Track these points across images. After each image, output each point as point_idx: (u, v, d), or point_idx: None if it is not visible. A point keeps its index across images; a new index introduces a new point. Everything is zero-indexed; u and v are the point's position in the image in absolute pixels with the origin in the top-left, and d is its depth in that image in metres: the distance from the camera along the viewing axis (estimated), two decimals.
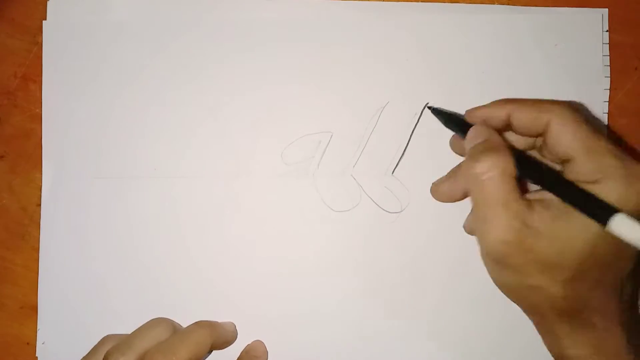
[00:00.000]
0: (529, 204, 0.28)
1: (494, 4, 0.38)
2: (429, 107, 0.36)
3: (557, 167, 0.31)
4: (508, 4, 0.38)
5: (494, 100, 0.35)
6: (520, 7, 0.38)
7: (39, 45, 0.39)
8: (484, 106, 0.32)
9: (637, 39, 0.38)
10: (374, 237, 0.38)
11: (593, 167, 0.28)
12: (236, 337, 0.37)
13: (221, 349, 0.37)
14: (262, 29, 0.38)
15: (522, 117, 0.30)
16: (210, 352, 0.36)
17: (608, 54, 0.38)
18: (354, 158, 0.38)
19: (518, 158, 0.29)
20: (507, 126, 0.32)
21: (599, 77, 0.38)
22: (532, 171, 0.30)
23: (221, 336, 0.36)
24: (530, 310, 0.31)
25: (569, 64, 0.37)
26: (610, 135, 0.38)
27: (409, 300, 0.38)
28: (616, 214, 0.26)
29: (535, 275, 0.29)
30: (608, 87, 0.38)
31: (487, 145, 0.30)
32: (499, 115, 0.31)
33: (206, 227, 0.38)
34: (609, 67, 0.38)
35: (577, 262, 0.28)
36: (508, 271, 0.29)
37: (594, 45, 0.37)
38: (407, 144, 0.38)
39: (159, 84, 0.38)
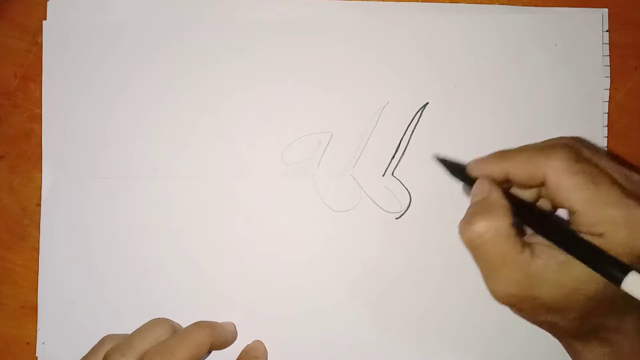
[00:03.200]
0: (532, 251, 0.28)
1: (494, 4, 0.38)
2: (436, 157, 0.35)
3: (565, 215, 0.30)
4: (508, 4, 0.38)
5: (494, 99, 0.35)
6: (520, 7, 0.38)
7: (39, 45, 0.39)
8: (482, 160, 0.32)
9: (637, 39, 0.38)
10: (374, 237, 0.38)
11: (596, 220, 0.27)
12: (236, 337, 0.37)
13: (221, 349, 0.37)
14: (261, 29, 0.38)
15: (517, 174, 0.30)
16: (209, 352, 0.36)
17: (608, 54, 0.38)
18: (354, 158, 0.38)
19: (523, 211, 0.29)
20: (508, 181, 0.31)
21: (599, 77, 0.38)
22: (537, 225, 0.29)
23: (221, 336, 0.36)
24: (546, 330, 0.31)
25: (569, 64, 0.37)
26: (610, 135, 0.38)
27: (409, 300, 0.37)
28: (629, 274, 0.25)
29: (546, 315, 0.29)
30: (608, 87, 0.38)
31: (483, 206, 0.29)
32: (496, 172, 0.31)
33: (206, 227, 0.38)
34: (609, 67, 0.38)
35: (585, 305, 0.28)
36: (518, 311, 0.30)
37: (594, 45, 0.37)
38: (407, 144, 0.38)
39: (159, 84, 0.38)
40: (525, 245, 0.28)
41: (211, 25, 0.38)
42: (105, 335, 0.36)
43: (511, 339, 0.37)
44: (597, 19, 0.37)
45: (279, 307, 0.38)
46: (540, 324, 0.31)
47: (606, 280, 0.26)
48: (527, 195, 0.32)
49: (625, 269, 0.25)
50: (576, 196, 0.27)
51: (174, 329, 0.35)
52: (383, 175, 0.38)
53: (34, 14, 0.39)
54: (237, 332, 0.37)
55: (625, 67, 0.38)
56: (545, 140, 0.31)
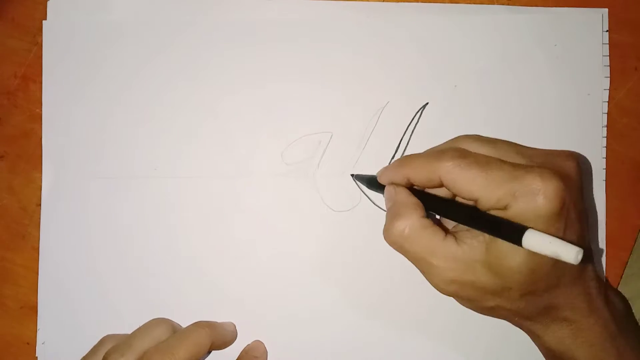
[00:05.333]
0: (457, 238, 0.30)
1: (494, 4, 0.38)
2: (352, 175, 0.38)
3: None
4: (508, 4, 0.38)
5: (494, 99, 0.35)
6: (520, 7, 0.38)
7: (39, 45, 0.39)
8: (386, 168, 0.34)
9: (637, 39, 0.38)
10: (374, 237, 0.38)
11: (496, 199, 0.29)
12: (236, 337, 0.37)
13: (221, 349, 0.37)
14: (262, 29, 0.38)
15: (416, 180, 0.32)
16: (209, 352, 0.36)
17: (608, 54, 0.38)
18: (354, 158, 0.38)
19: (432, 202, 0.32)
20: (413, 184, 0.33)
21: (599, 77, 0.38)
22: (447, 212, 0.32)
23: (220, 336, 0.36)
24: (503, 319, 0.33)
25: (569, 64, 0.37)
26: (610, 135, 0.38)
27: (408, 300, 0.38)
28: (526, 232, 0.27)
29: (490, 299, 0.31)
30: (608, 87, 0.38)
31: (393, 210, 0.32)
32: (398, 178, 0.33)
33: (206, 227, 0.38)
34: (608, 67, 0.38)
35: (522, 280, 0.29)
36: (465, 301, 0.32)
37: (594, 45, 0.37)
38: (407, 144, 0.38)
39: (159, 84, 0.38)
40: (449, 234, 0.30)
41: (211, 25, 0.38)
42: (105, 335, 0.36)
43: (511, 339, 0.37)
44: (597, 19, 0.37)
45: (279, 307, 0.38)
46: (492, 312, 0.32)
47: (528, 250, 0.28)
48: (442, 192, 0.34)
49: (522, 229, 0.27)
50: (471, 187, 0.29)
51: (174, 329, 0.35)
52: None
53: (34, 14, 0.39)
54: (237, 332, 0.38)
55: (625, 67, 0.38)
56: (440, 145, 0.34)
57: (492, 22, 0.38)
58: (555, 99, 0.37)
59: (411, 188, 0.33)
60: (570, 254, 0.26)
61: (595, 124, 0.37)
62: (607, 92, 0.38)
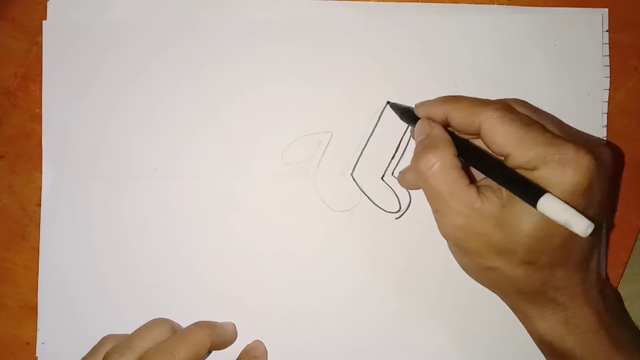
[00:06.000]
0: (478, 190, 0.30)
1: (494, 4, 0.38)
2: (388, 102, 0.37)
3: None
4: (508, 4, 0.38)
5: (494, 99, 0.35)
6: (520, 7, 0.38)
7: (39, 45, 0.39)
8: (427, 102, 0.34)
9: (637, 39, 0.38)
10: (374, 237, 0.38)
11: (526, 159, 0.29)
12: (236, 337, 0.37)
13: (221, 349, 0.37)
14: (261, 29, 0.38)
15: (456, 119, 0.32)
16: (209, 352, 0.36)
17: (608, 54, 0.38)
18: (354, 158, 0.38)
19: (462, 148, 0.31)
20: (448, 124, 0.33)
21: (599, 77, 0.38)
22: (475, 160, 0.32)
23: (220, 336, 0.36)
24: (493, 288, 0.33)
25: (568, 64, 0.37)
26: (610, 135, 0.38)
27: (409, 300, 0.38)
28: (543, 195, 0.27)
29: (492, 257, 0.30)
30: (608, 87, 0.38)
31: (428, 142, 0.31)
32: (438, 113, 0.33)
33: (206, 227, 0.38)
34: (608, 67, 0.38)
35: (529, 246, 0.29)
36: (467, 255, 0.32)
37: (594, 45, 0.37)
38: (407, 144, 0.38)
39: (159, 84, 0.38)
40: (472, 183, 0.30)
41: (211, 25, 0.38)
42: (105, 335, 0.36)
43: (512, 337, 0.37)
44: (597, 19, 0.37)
45: (279, 307, 0.38)
46: (488, 274, 0.32)
47: (543, 218, 0.28)
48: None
49: (542, 192, 0.27)
50: (506, 140, 0.29)
51: (174, 329, 0.35)
52: (383, 175, 0.38)
53: (34, 14, 0.39)
54: (237, 332, 0.38)
55: (625, 67, 0.38)
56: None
57: (492, 22, 0.38)
58: (555, 99, 0.37)
59: (445, 129, 0.33)
60: (581, 225, 0.26)
61: (595, 124, 0.37)
62: (607, 92, 0.38)
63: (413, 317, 0.38)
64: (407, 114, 0.35)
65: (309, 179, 0.38)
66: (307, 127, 0.38)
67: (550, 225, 0.28)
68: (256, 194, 0.38)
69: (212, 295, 0.38)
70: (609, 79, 0.38)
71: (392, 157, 0.38)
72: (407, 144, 0.38)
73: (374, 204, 0.38)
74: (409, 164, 0.36)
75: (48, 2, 0.39)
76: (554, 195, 0.27)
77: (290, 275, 0.38)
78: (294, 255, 0.38)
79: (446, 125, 0.33)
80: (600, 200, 0.30)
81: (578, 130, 0.34)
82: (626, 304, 0.37)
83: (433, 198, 0.31)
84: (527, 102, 0.33)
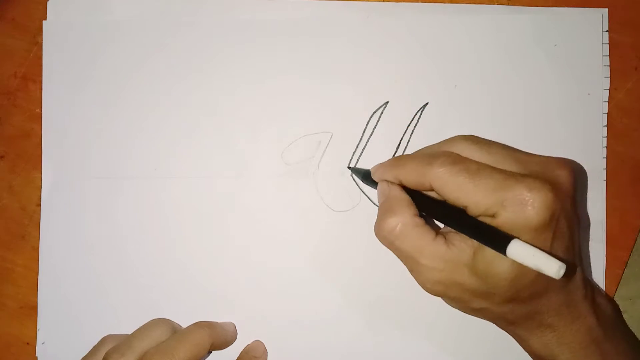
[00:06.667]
0: (447, 239, 0.30)
1: (493, 4, 0.38)
2: (349, 168, 0.38)
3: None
4: (508, 4, 0.38)
5: (494, 99, 0.35)
6: (520, 7, 0.38)
7: (39, 45, 0.39)
8: (380, 165, 0.34)
9: (637, 39, 0.38)
10: (374, 237, 0.37)
11: (484, 207, 0.29)
12: (236, 337, 0.37)
13: (221, 349, 0.37)
14: (262, 29, 0.38)
15: (407, 182, 0.32)
16: (209, 352, 0.36)
17: (608, 54, 0.38)
18: (354, 158, 0.38)
19: (423, 203, 0.32)
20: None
21: (599, 77, 0.38)
22: (437, 214, 0.32)
23: (220, 336, 0.36)
24: (489, 321, 0.33)
25: (569, 64, 0.37)
26: (610, 135, 0.38)
27: (409, 300, 0.37)
28: (511, 242, 0.27)
29: (475, 301, 0.31)
30: (608, 87, 0.38)
31: (386, 206, 0.32)
32: (390, 177, 0.33)
33: (206, 227, 0.38)
34: (608, 67, 0.38)
35: (507, 287, 0.29)
36: (452, 301, 0.32)
37: (594, 45, 0.37)
38: (407, 144, 0.38)
39: (159, 84, 0.38)
40: (439, 234, 0.30)
41: (211, 25, 0.38)
42: (105, 335, 0.36)
43: (512, 341, 0.37)
44: (597, 19, 0.37)
45: (279, 307, 0.38)
46: (477, 313, 0.32)
47: (514, 261, 0.27)
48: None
49: (508, 239, 0.27)
50: (460, 194, 0.29)
51: (174, 329, 0.35)
52: None
53: (34, 14, 0.39)
54: (237, 332, 0.38)
55: (625, 67, 0.38)
56: (434, 145, 0.34)
57: (492, 21, 0.38)
58: (555, 99, 0.37)
59: (404, 187, 0.33)
60: (552, 268, 0.26)
61: (595, 124, 0.37)
62: (607, 92, 0.38)
63: (413, 317, 0.38)
64: (368, 177, 0.35)
65: (309, 179, 0.38)
66: (307, 127, 0.38)
67: (522, 265, 0.28)
68: (256, 194, 0.38)
69: (212, 295, 0.38)
70: (609, 79, 0.38)
71: (392, 157, 0.38)
72: (407, 144, 0.38)
73: (374, 204, 0.38)
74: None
75: (48, 2, 0.39)
76: (521, 240, 0.27)
77: (290, 275, 0.38)
78: (293, 255, 0.38)
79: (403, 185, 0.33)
80: (568, 225, 0.30)
81: (531, 154, 0.33)
82: (626, 304, 0.37)
83: (404, 260, 0.32)
84: (476, 138, 0.33)
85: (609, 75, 0.38)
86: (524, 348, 0.34)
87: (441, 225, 0.35)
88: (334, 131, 0.38)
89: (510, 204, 0.28)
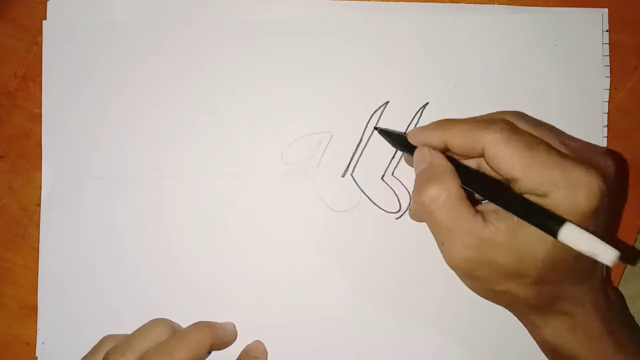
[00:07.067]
0: (484, 217, 0.29)
1: (494, 4, 0.38)
2: (376, 128, 0.36)
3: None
4: (508, 4, 0.38)
5: (494, 99, 0.35)
6: (520, 7, 0.38)
7: (39, 45, 0.39)
8: (421, 128, 0.32)
9: (637, 39, 0.38)
10: (374, 238, 0.38)
11: (536, 184, 0.28)
12: (236, 337, 0.37)
13: (221, 349, 0.37)
14: (261, 29, 0.38)
15: (456, 145, 0.30)
16: (209, 352, 0.36)
17: (608, 54, 0.38)
18: (354, 158, 0.38)
19: (466, 175, 0.30)
20: (448, 150, 0.32)
21: (599, 77, 0.38)
22: (482, 188, 0.30)
23: (220, 337, 0.36)
24: (505, 306, 0.33)
25: (568, 64, 0.37)
26: (610, 135, 0.38)
27: (410, 301, 0.37)
28: (564, 225, 0.26)
29: (502, 282, 0.30)
30: (608, 87, 0.38)
31: (429, 173, 0.30)
32: (435, 141, 0.31)
33: (206, 227, 0.38)
34: (609, 67, 0.38)
35: (539, 269, 0.29)
36: (476, 280, 0.31)
37: (594, 45, 0.37)
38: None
39: (158, 84, 0.38)
40: (477, 211, 0.29)
41: (211, 25, 0.38)
42: (105, 335, 0.36)
43: (514, 338, 0.37)
44: (597, 19, 0.37)
45: (279, 307, 0.38)
46: (499, 296, 0.31)
47: (556, 242, 0.27)
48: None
49: (561, 222, 0.26)
50: (514, 164, 0.28)
51: (174, 329, 0.35)
52: (383, 175, 0.38)
53: (34, 14, 0.39)
54: (237, 332, 0.37)
55: (625, 67, 0.38)
56: (485, 115, 0.32)
57: (492, 22, 0.38)
58: (555, 99, 0.37)
59: (446, 156, 0.31)
60: (608, 255, 0.25)
61: (595, 124, 0.37)
62: (607, 92, 0.38)
63: (414, 317, 0.38)
64: (399, 141, 0.34)
65: (309, 179, 0.38)
66: (307, 127, 0.38)
67: (563, 249, 0.27)
68: (256, 194, 0.38)
69: (211, 296, 0.38)
70: (609, 79, 0.38)
71: (392, 157, 0.38)
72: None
73: (374, 204, 0.38)
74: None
75: (48, 2, 0.39)
76: (575, 224, 0.26)
77: (290, 275, 0.38)
78: (293, 255, 0.38)
79: (445, 151, 0.31)
80: (609, 218, 0.29)
81: (578, 140, 0.33)
82: (626, 304, 0.37)
83: (438, 231, 0.30)
84: (525, 115, 0.32)
85: (609, 75, 0.38)
86: (533, 335, 0.33)
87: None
88: (334, 131, 0.38)
89: (565, 185, 0.27)
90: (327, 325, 0.38)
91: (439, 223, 0.29)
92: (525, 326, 0.33)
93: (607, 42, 0.38)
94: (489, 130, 0.29)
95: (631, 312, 0.37)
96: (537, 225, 0.27)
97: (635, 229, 0.38)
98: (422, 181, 0.30)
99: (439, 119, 0.32)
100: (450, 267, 0.31)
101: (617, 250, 0.25)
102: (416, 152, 0.32)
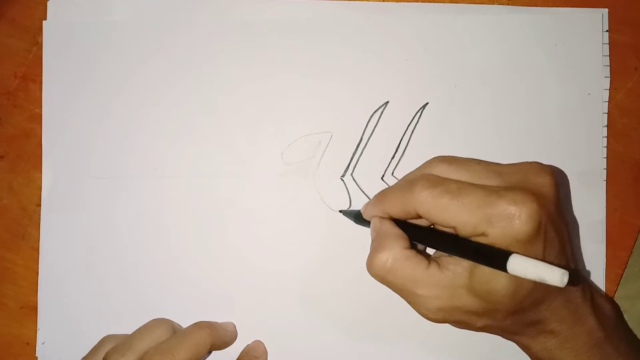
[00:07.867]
0: (440, 264, 0.30)
1: (494, 4, 0.38)
2: (340, 211, 0.37)
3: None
4: (508, 4, 0.38)
5: (494, 99, 0.35)
6: (520, 7, 0.38)
7: (39, 45, 0.39)
8: (369, 203, 0.34)
9: (637, 39, 0.38)
10: None
11: (472, 227, 0.29)
12: (236, 337, 0.37)
13: (221, 349, 0.37)
14: (261, 29, 0.38)
15: (395, 213, 0.32)
16: (209, 352, 0.36)
17: (608, 54, 0.38)
18: (354, 158, 0.38)
19: (415, 233, 0.31)
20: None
21: (599, 77, 0.38)
22: (430, 241, 0.32)
23: (221, 337, 0.36)
24: (493, 334, 0.33)
25: (569, 64, 0.37)
26: (610, 135, 0.38)
27: None
28: (510, 257, 0.26)
29: (478, 320, 0.31)
30: (608, 87, 0.38)
31: (376, 242, 0.31)
32: (379, 213, 0.33)
33: (206, 227, 0.38)
34: (609, 67, 0.38)
35: (507, 304, 0.29)
36: (455, 324, 0.32)
37: (594, 45, 0.37)
38: (407, 144, 0.38)
39: (158, 84, 0.38)
40: (432, 261, 0.30)
41: (211, 25, 0.38)
42: (105, 335, 0.36)
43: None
44: (597, 19, 0.37)
45: (279, 307, 0.38)
46: (482, 330, 0.32)
47: (511, 275, 0.27)
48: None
49: (507, 255, 0.27)
50: (445, 216, 0.29)
51: (174, 329, 0.35)
52: (383, 176, 0.38)
53: (34, 14, 0.39)
54: (237, 332, 0.38)
55: (625, 67, 0.38)
56: (413, 172, 0.33)
57: (492, 22, 0.38)
58: (555, 99, 0.37)
59: (395, 219, 0.33)
60: (556, 277, 0.25)
61: (595, 124, 0.37)
62: (607, 92, 0.38)
63: (414, 317, 0.38)
64: (360, 217, 0.35)
65: (309, 179, 0.38)
66: (307, 127, 0.38)
67: (519, 278, 0.28)
68: (256, 194, 0.38)
69: (211, 296, 0.38)
70: (609, 79, 0.38)
71: (392, 157, 0.38)
72: (407, 144, 0.38)
73: None
74: (416, 162, 0.35)
75: (48, 2, 0.39)
76: (519, 254, 0.27)
77: (290, 275, 0.38)
78: (293, 255, 0.38)
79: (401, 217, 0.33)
80: (556, 231, 0.30)
81: (511, 165, 0.32)
82: (626, 304, 0.37)
83: (401, 293, 0.31)
84: (450, 157, 0.32)
85: (609, 75, 0.38)
86: (526, 353, 0.34)
87: (433, 251, 0.34)
88: (334, 131, 0.38)
89: (497, 220, 0.28)
90: (327, 325, 0.38)
91: (396, 285, 0.31)
92: (518, 346, 0.34)
93: (607, 42, 0.38)
94: (412, 192, 0.30)
95: (631, 312, 0.37)
96: (486, 264, 0.28)
97: (635, 229, 0.38)
98: (372, 250, 0.31)
99: (379, 192, 0.33)
100: (426, 319, 0.31)
101: (564, 270, 0.25)
102: (370, 225, 0.34)
